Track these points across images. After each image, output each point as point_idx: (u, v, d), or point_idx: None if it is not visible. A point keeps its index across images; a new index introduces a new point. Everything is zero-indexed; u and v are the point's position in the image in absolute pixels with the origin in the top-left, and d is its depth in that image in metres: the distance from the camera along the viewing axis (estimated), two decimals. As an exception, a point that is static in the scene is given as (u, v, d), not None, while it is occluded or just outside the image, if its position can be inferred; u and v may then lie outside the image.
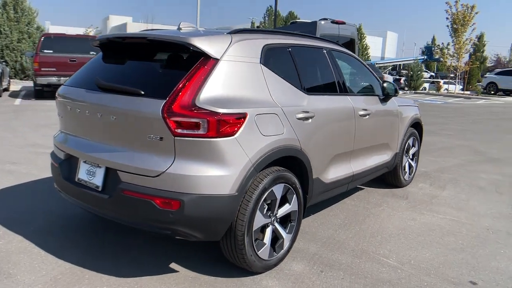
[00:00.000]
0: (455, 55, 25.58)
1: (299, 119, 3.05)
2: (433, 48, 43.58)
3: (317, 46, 3.73)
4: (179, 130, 2.41)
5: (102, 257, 3.06)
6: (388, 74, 35.16)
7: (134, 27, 44.99)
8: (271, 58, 3.04)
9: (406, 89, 30.37)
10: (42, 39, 12.50)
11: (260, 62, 2.92)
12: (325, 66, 3.69)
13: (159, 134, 2.45)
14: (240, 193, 2.58)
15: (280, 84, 3.03)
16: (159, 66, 2.83)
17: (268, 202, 2.83)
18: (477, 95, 25.36)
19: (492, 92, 27.10)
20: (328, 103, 3.49)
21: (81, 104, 2.84)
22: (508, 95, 26.64)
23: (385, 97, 4.40)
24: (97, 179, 2.75)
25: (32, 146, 6.52)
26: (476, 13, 23.75)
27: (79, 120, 2.90)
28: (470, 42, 25.01)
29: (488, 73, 31.57)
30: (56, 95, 3.22)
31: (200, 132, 2.42)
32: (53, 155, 3.26)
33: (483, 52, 29.15)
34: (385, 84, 4.38)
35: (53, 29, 26.82)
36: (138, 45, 2.95)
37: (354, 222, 3.98)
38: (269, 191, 2.77)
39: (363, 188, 5.08)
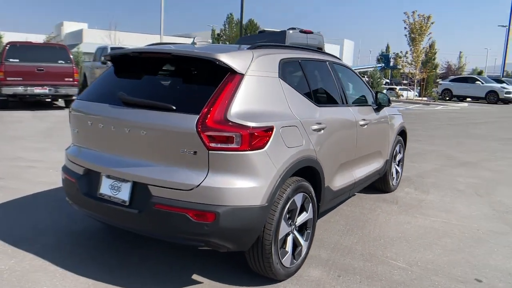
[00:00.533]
0: (413, 63, 26.81)
1: (314, 130, 3.18)
2: (390, 56, 45.50)
3: (321, 59, 3.90)
4: (213, 144, 2.48)
5: (124, 271, 3.05)
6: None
7: (91, 34, 43.81)
8: (287, 72, 3.17)
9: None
10: (7, 47, 12.01)
11: (279, 76, 3.03)
12: (329, 78, 3.87)
13: (193, 148, 2.50)
14: (269, 203, 2.67)
15: (297, 97, 3.16)
16: (185, 81, 2.87)
17: (290, 211, 2.93)
18: (434, 101, 26.63)
19: (447, 98, 28.56)
20: (335, 114, 3.65)
21: (105, 119, 2.84)
22: (462, 101, 28.17)
23: (378, 107, 4.63)
24: (123, 194, 2.76)
25: (13, 160, 6.28)
26: (432, 23, 25.08)
27: (102, 135, 2.89)
28: (426, 50, 26.33)
29: (441, 80, 33.28)
30: (70, 109, 3.19)
31: (234, 145, 2.50)
32: (67, 169, 3.21)
33: (434, 59, 30.73)
34: (378, 95, 4.61)
35: (9, 36, 25.72)
36: (158, 60, 2.98)
37: (355, 227, 4.15)
38: (291, 200, 2.88)
39: (355, 194, 5.28)
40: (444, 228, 4.22)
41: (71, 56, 13.08)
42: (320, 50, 16.02)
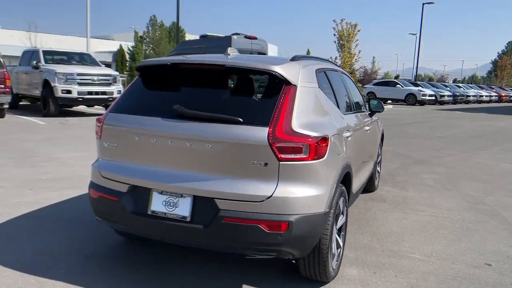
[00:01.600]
0: (342, 68, 28.35)
1: (346, 137, 3.38)
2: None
3: (335, 68, 4.12)
4: (283, 155, 2.56)
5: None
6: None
7: (3, 35, 40.18)
8: (321, 82, 3.33)
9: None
10: None
11: (318, 86, 3.19)
12: (342, 86, 4.10)
13: (264, 160, 2.56)
14: (329, 209, 2.82)
15: (332, 106, 3.34)
16: (241, 93, 2.89)
17: (336, 215, 3.10)
18: (361, 104, 28.49)
19: (372, 101, 30.65)
20: (353, 121, 3.90)
21: (160, 133, 2.77)
22: (384, 103, 30.43)
23: (371, 112, 4.97)
24: (182, 210, 2.72)
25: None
26: (359, 30, 26.78)
27: (154, 149, 2.81)
28: (354, 56, 28.01)
29: (360, 84, 35.66)
30: (103, 123, 3.04)
31: (302, 155, 2.61)
32: (101, 187, 3.04)
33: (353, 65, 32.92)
34: (371, 101, 4.95)
35: None
36: (206, 72, 2.98)
37: (362, 226, 4.42)
38: (337, 205, 3.04)
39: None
40: (436, 221, 4.65)
41: (2, 60, 12.04)
42: (264, 54, 16.20)
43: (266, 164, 2.57)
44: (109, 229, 3.87)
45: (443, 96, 31.59)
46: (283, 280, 3.17)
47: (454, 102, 33.11)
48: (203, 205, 2.67)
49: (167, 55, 3.74)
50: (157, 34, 48.74)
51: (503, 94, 41.27)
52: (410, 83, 32.77)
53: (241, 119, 2.62)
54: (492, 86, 45.08)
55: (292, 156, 2.59)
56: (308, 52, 67.39)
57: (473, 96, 36.14)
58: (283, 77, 2.78)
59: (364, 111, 4.80)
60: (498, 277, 3.34)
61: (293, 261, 3.19)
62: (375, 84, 32.10)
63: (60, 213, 4.45)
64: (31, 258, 3.38)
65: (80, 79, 12.95)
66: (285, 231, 2.57)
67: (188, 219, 2.69)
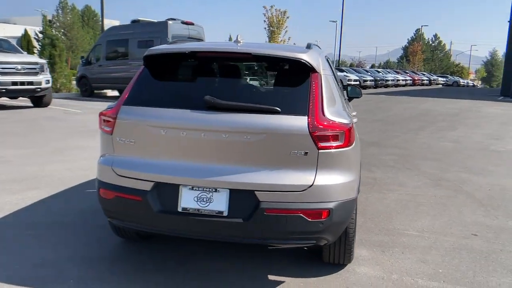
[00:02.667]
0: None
1: (354, 123, 3.47)
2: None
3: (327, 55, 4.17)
4: (322, 144, 2.58)
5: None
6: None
7: None
8: (330, 70, 3.37)
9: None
10: None
11: (331, 74, 3.22)
12: (335, 74, 4.17)
13: (304, 149, 2.56)
14: (357, 194, 2.89)
15: (341, 93, 3.40)
16: (270, 82, 2.83)
17: None
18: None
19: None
20: (350, 107, 3.99)
21: (192, 126, 2.62)
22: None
23: (349, 98, 5.13)
24: (217, 205, 2.63)
25: None
26: (287, 17, 27.37)
27: (183, 143, 2.66)
28: (284, 43, 28.57)
29: None
30: (117, 117, 2.80)
31: (338, 143, 2.64)
32: (117, 187, 2.82)
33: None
34: (348, 88, 5.10)
35: None
36: (228, 60, 2.87)
37: (351, 208, 4.59)
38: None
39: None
40: (414, 199, 4.98)
41: None
42: (202, 40, 16.17)
43: (306, 153, 2.57)
44: (104, 232, 3.64)
45: (366, 80, 33.47)
46: (301, 267, 3.21)
47: (375, 86, 35.25)
48: (241, 198, 2.60)
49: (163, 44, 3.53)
50: (68, 18, 45.48)
51: (416, 78, 44.79)
52: (336, 68, 34.25)
53: (279, 109, 2.57)
54: (406, 71, 48.68)
55: (330, 144, 2.61)
56: (230, 38, 67.22)
57: (392, 80, 38.74)
58: (310, 65, 2.77)
59: (346, 98, 4.94)
60: (488, 245, 3.68)
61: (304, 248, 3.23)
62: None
63: (36, 217, 4.06)
64: (31, 271, 3.05)
65: (1, 68, 11.70)
66: (326, 219, 2.60)
67: (225, 214, 2.61)
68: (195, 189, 2.67)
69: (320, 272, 3.14)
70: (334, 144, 2.63)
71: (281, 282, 2.99)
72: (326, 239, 2.74)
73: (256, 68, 2.90)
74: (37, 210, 4.26)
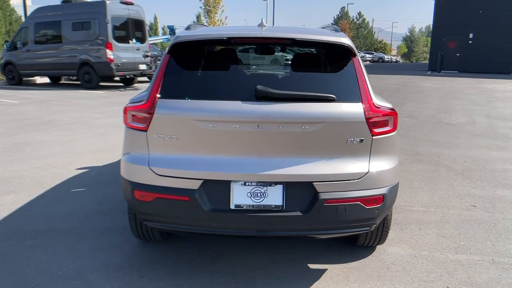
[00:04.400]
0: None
1: None
2: (174, 28, 46.43)
3: None
4: (376, 130, 2.56)
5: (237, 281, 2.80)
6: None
7: None
8: None
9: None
10: None
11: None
12: None
13: (360, 136, 2.52)
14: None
15: None
16: (315, 68, 2.72)
17: None
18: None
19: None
20: None
21: (245, 118, 2.46)
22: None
23: None
24: (273, 199, 2.53)
25: None
26: (223, -4, 26.85)
27: (235, 137, 2.50)
28: (221, 22, 28.06)
29: None
30: (157, 112, 2.54)
31: (388, 128, 2.64)
32: (162, 188, 2.56)
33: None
34: None
35: None
36: (266, 45, 2.71)
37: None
38: None
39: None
40: (403, 175, 5.17)
41: None
42: (143, 22, 15.35)
43: (361, 140, 2.54)
44: (114, 235, 3.40)
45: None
46: (336, 253, 3.22)
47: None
48: (298, 190, 2.52)
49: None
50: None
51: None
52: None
53: (334, 96, 2.50)
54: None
55: (382, 130, 2.61)
56: (155, 18, 64.50)
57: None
58: (352, 49, 2.72)
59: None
60: (490, 215, 3.95)
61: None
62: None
63: (30, 225, 3.65)
64: (57, 286, 2.74)
65: None
66: (380, 204, 2.61)
67: (282, 208, 2.51)
68: (248, 185, 2.54)
69: (355, 256, 3.18)
70: (385, 129, 2.62)
71: (324, 270, 2.98)
72: (376, 224, 2.75)
73: (296, 53, 2.78)
74: (26, 217, 3.83)
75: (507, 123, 8.80)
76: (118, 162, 5.53)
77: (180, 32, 2.85)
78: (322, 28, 3.16)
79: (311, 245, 3.32)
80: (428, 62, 31.53)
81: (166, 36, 46.63)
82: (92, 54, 14.52)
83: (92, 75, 14.87)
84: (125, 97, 12.87)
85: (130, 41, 15.11)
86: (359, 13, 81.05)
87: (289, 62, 2.77)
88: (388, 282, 2.83)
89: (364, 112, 2.51)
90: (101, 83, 15.43)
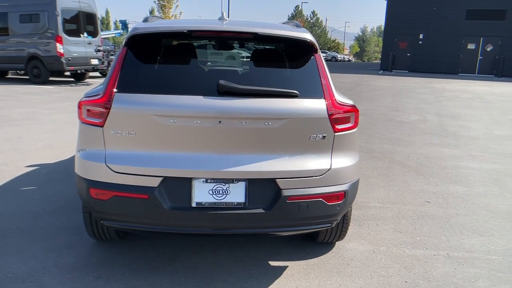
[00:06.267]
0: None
1: None
2: (127, 22, 45.31)
3: None
4: (338, 126, 2.58)
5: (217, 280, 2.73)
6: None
7: None
8: None
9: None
10: None
11: None
12: None
13: (322, 132, 2.53)
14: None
15: None
16: (275, 63, 2.67)
17: None
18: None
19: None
20: None
21: (208, 114, 2.38)
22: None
23: None
24: (235, 196, 2.48)
25: None
26: (177, -9, 26.42)
27: (196, 133, 2.41)
28: (175, 18, 27.56)
29: None
30: (114, 107, 2.41)
31: (350, 125, 2.66)
32: (119, 186, 2.44)
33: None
34: None
35: None
36: (226, 39, 2.65)
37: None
38: None
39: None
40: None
41: None
42: (95, 15, 14.90)
43: (324, 137, 2.54)
44: (68, 235, 3.21)
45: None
46: (295, 250, 3.22)
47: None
48: (261, 187, 2.49)
49: None
50: None
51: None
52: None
53: (297, 92, 2.48)
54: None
55: (344, 126, 2.62)
56: (107, 12, 62.27)
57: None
58: (315, 45, 2.71)
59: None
60: (443, 210, 4.11)
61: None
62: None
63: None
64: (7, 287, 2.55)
65: None
66: (342, 201, 2.63)
67: (245, 205, 2.47)
68: (210, 182, 2.47)
69: (315, 252, 3.19)
70: (346, 126, 2.64)
71: (285, 267, 2.97)
72: (337, 220, 2.77)
73: (256, 48, 2.73)
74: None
75: (456, 121, 9.23)
76: (70, 160, 5.32)
77: (138, 24, 2.73)
78: (283, 24, 3.14)
79: (272, 242, 3.31)
80: (380, 61, 32.49)
81: (119, 31, 45.50)
82: (41, 48, 13.80)
83: (41, 70, 14.12)
84: (76, 92, 12.33)
85: (81, 35, 14.50)
86: (313, 12, 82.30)
87: (247, 59, 2.73)
88: (348, 278, 2.86)
89: (327, 109, 2.51)
90: (51, 78, 14.71)
